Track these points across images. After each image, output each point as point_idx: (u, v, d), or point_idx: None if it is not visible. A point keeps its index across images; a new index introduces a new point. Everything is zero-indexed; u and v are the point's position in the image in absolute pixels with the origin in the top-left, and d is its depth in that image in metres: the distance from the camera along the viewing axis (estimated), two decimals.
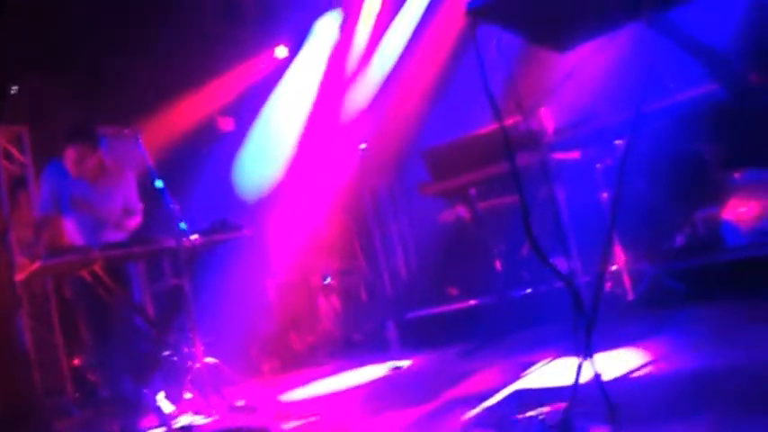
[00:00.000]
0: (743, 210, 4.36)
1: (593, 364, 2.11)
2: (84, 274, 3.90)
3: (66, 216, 4.24)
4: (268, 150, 7.13)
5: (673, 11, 1.76)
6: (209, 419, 3.81)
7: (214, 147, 7.01)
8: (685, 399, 2.27)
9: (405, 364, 4.53)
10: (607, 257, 3.71)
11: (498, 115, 1.96)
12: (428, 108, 6.39)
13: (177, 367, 4.16)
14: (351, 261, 6.89)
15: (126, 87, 6.12)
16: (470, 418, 2.58)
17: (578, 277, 3.81)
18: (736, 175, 4.53)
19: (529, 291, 4.66)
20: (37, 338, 5.53)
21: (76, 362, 5.58)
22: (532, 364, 3.30)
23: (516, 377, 3.12)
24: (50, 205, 4.23)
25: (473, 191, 4.51)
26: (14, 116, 5.86)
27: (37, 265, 3.67)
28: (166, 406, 4.05)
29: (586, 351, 2.09)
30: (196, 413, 3.95)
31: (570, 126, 3.87)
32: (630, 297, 3.80)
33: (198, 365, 3.97)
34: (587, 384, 2.11)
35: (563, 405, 2.12)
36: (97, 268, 3.87)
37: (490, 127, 4.12)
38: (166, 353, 4.16)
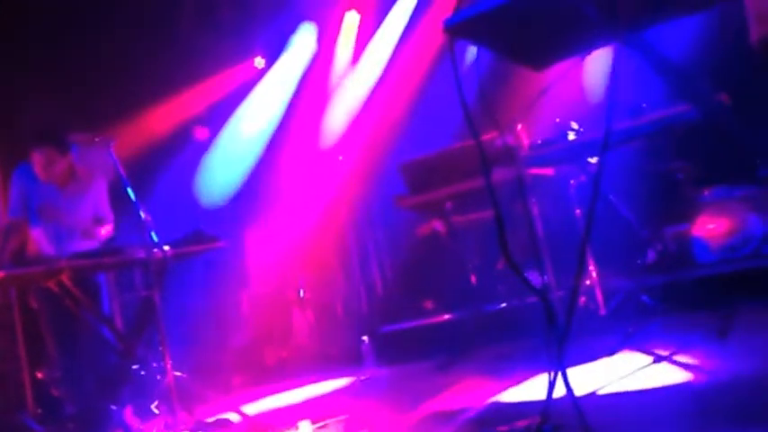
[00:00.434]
0: (712, 226, 4.42)
1: (566, 378, 2.11)
2: (51, 284, 3.82)
3: (33, 224, 4.16)
4: (236, 160, 7.09)
5: (646, 31, 1.78)
6: None
7: (189, 156, 6.95)
8: (659, 413, 2.29)
9: (377, 377, 4.51)
10: (580, 272, 3.73)
11: (474, 130, 1.97)
12: (407, 122, 6.40)
13: (145, 381, 4.08)
14: (326, 274, 6.86)
15: (99, 94, 6.05)
16: None
17: (552, 292, 3.84)
18: (706, 193, 4.60)
19: (503, 305, 4.68)
20: None
21: (40, 375, 5.44)
22: (507, 378, 3.30)
23: (491, 391, 3.12)
24: (20, 210, 4.15)
25: (449, 205, 4.52)
26: None
27: (0, 275, 3.58)
28: (134, 422, 3.97)
29: (559, 365, 2.10)
30: (164, 429, 3.88)
31: (545, 142, 3.91)
32: (603, 312, 3.83)
33: (167, 380, 3.90)
34: (561, 399, 2.11)
35: (536, 419, 2.12)
36: (64, 278, 3.79)
37: (467, 142, 4.15)
38: (135, 367, 4.08)
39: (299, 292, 6.48)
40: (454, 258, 4.91)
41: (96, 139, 4.05)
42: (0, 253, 4.10)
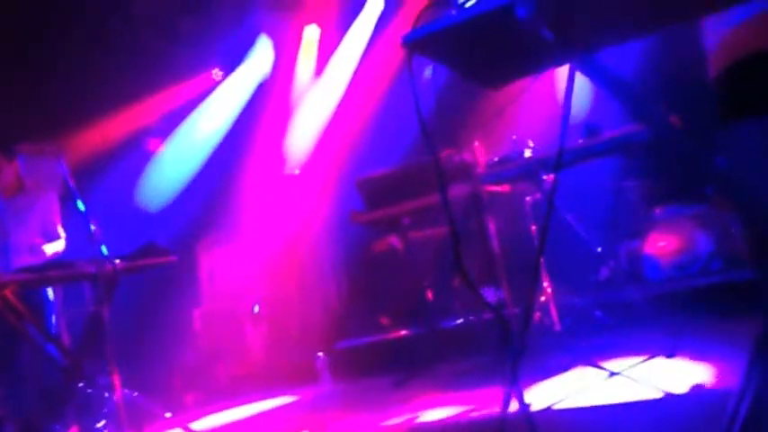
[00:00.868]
0: (662, 244, 4.52)
1: (521, 394, 2.12)
2: None
3: None
4: (189, 172, 6.99)
5: (601, 53, 1.80)
6: None
7: (141, 167, 6.82)
8: (613, 428, 2.31)
9: (333, 393, 4.47)
10: (535, 289, 3.77)
11: (431, 147, 1.97)
12: (365, 137, 6.41)
13: (92, 399, 3.95)
14: (281, 290, 6.78)
15: (51, 102, 5.91)
16: None
17: (508, 308, 3.86)
18: (657, 211, 4.71)
19: (460, 321, 4.69)
20: None
21: None
22: (463, 394, 3.30)
23: (447, 407, 3.11)
24: None
25: (406, 221, 4.53)
26: None
27: None
28: None
29: (514, 381, 2.10)
30: None
31: (502, 160, 3.95)
32: (558, 328, 3.86)
33: (114, 398, 3.79)
34: (515, 414, 2.11)
35: None
36: (8, 293, 3.66)
37: (424, 158, 4.16)
38: (81, 384, 3.95)
39: (253, 308, 6.39)
40: (410, 274, 4.91)
41: (45, 150, 3.93)
42: None
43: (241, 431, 3.72)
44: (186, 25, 6.71)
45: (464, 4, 1.70)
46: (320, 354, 5.14)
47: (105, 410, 3.81)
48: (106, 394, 3.82)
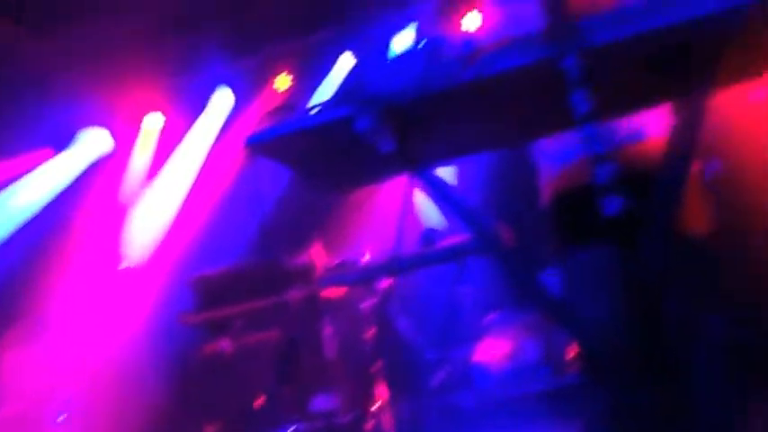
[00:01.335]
0: (493, 351, 4.68)
1: None
2: None
3: None
4: None
5: (435, 167, 1.87)
6: None
7: None
8: None
9: None
10: (370, 395, 3.72)
11: (269, 248, 1.91)
12: (205, 234, 6.19)
13: None
14: (97, 393, 6.16)
15: None
16: None
17: (342, 415, 3.76)
18: (489, 318, 4.89)
19: (292, 429, 4.49)
20: None
21: None
22: None
23: None
24: None
25: (239, 323, 4.34)
26: None
27: None
28: None
29: None
30: None
31: (341, 264, 3.95)
32: None
33: None
34: None
35: None
36: None
37: (261, 258, 4.08)
38: None
39: (57, 417, 5.72)
40: (240, 380, 4.68)
41: None
42: None
43: None
44: (21, 99, 6.26)
45: (309, 110, 1.71)
46: None
47: None
48: None
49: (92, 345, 6.12)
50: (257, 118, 1.85)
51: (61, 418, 5.71)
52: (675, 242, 1.61)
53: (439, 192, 1.77)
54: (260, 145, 1.71)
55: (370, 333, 4.06)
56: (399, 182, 2.08)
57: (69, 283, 6.36)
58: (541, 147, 2.27)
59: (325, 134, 1.69)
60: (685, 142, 1.61)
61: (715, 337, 2.11)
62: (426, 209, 5.09)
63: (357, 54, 5.99)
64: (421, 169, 1.76)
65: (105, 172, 6.77)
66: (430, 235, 3.66)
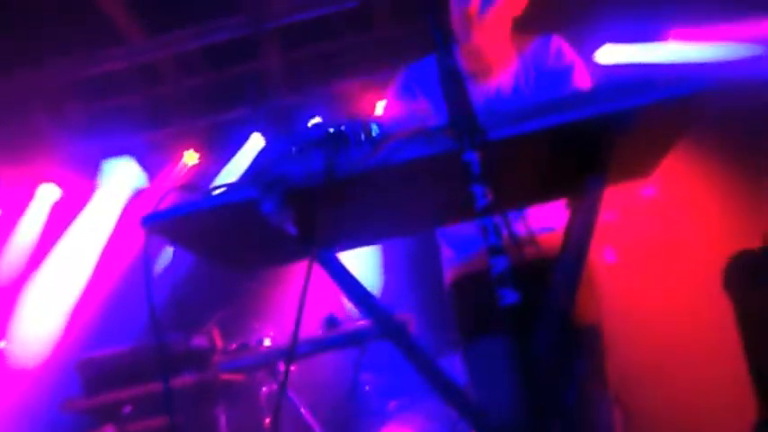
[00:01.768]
0: None
1: None
2: None
3: None
4: None
5: (340, 251, 1.86)
6: None
7: None
8: None
9: None
10: None
11: (158, 330, 1.81)
12: (94, 317, 5.85)
13: None
14: None
15: None
16: None
17: None
18: (391, 404, 4.82)
19: None
20: None
21: None
22: None
23: None
24: None
25: (127, 409, 4.07)
26: None
27: None
28: None
29: None
30: None
31: (240, 347, 3.82)
32: None
33: None
34: None
35: None
36: None
37: (153, 341, 3.87)
38: None
39: None
40: None
41: None
42: None
43: None
44: None
45: (211, 191, 1.67)
46: None
47: None
48: None
49: None
50: (160, 194, 1.80)
51: None
52: (568, 331, 1.65)
53: (339, 277, 1.75)
54: (156, 225, 1.65)
55: (268, 420, 3.90)
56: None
57: None
58: (445, 231, 2.31)
59: (228, 215, 1.65)
60: (580, 235, 1.68)
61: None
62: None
63: (266, 135, 6.02)
64: (323, 253, 1.74)
65: None
66: (332, 319, 3.62)
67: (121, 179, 6.26)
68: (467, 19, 2.19)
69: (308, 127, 5.61)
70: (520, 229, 1.72)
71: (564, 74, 2.21)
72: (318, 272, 1.72)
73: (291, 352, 1.93)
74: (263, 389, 4.02)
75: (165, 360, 1.95)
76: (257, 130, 6.07)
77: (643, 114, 1.49)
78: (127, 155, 6.16)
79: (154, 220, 1.64)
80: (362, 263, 5.64)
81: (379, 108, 5.51)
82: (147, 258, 1.76)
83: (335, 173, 1.52)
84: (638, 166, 1.85)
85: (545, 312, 1.64)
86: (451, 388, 1.74)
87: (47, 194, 6.32)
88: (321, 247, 1.68)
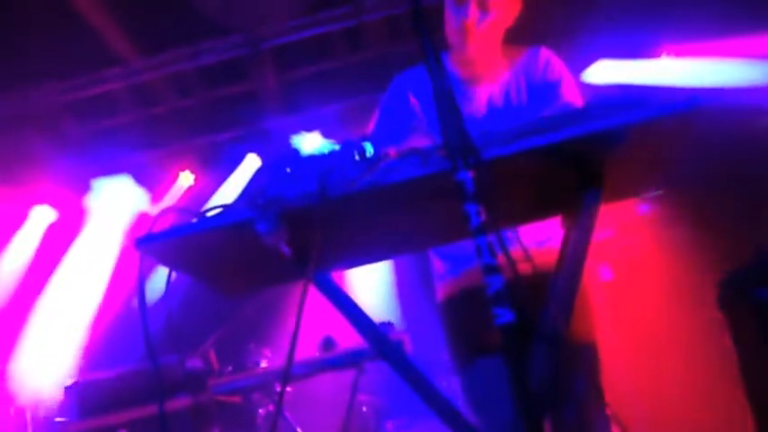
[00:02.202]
0: None
1: None
2: None
3: None
4: None
5: (336, 271, 1.86)
6: None
7: None
8: None
9: None
10: None
11: (152, 352, 1.80)
12: (89, 338, 5.81)
13: None
14: None
15: None
16: None
17: None
18: (389, 424, 4.79)
19: None
20: None
21: None
22: None
23: None
24: None
25: None
26: None
27: None
28: None
29: None
30: None
31: (236, 368, 3.79)
32: None
33: None
34: None
35: None
36: None
37: (148, 363, 3.84)
38: None
39: None
40: None
41: None
42: None
43: None
44: None
45: (205, 212, 1.67)
46: None
47: None
48: None
49: None
50: (158, 215, 1.80)
51: None
52: (565, 349, 1.64)
53: (334, 297, 1.75)
54: (151, 247, 1.64)
55: None
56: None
57: None
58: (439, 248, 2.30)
59: (223, 237, 1.65)
60: (575, 252, 1.68)
61: None
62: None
63: (262, 156, 6.03)
64: (319, 274, 1.73)
65: None
66: (329, 341, 3.60)
67: (118, 199, 6.23)
68: (464, 30, 2.21)
69: (302, 147, 5.63)
70: (515, 246, 1.72)
71: (553, 87, 2.24)
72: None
73: (287, 373, 1.91)
74: (260, 411, 3.98)
75: (161, 382, 1.93)
76: (252, 150, 6.08)
77: (636, 132, 1.50)
78: (123, 174, 6.15)
79: (148, 243, 1.64)
80: (375, 279, 5.66)
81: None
82: (142, 281, 1.75)
83: (329, 193, 1.52)
84: (632, 184, 1.85)
85: (541, 330, 1.63)
86: (448, 408, 1.72)
87: (41, 216, 6.29)
88: (316, 267, 1.67)
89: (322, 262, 1.72)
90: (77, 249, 6.31)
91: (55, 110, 5.68)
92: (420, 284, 5.22)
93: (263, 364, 3.71)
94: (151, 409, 3.77)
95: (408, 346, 3.51)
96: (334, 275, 1.87)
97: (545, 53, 2.31)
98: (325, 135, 5.71)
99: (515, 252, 1.53)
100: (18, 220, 6.25)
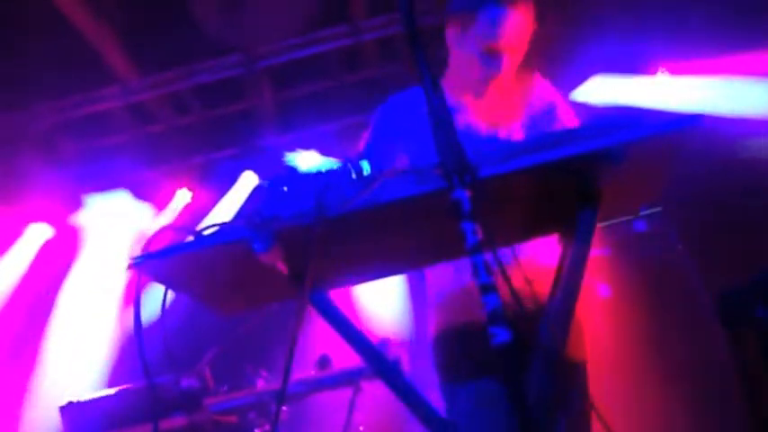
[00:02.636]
0: None
1: None
2: None
3: None
4: None
5: (330, 289, 1.85)
6: None
7: None
8: None
9: None
10: None
11: (147, 371, 1.79)
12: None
13: None
14: None
15: None
16: None
17: None
18: None
19: None
20: None
21: None
22: None
23: None
24: None
25: None
26: None
27: None
28: None
29: None
30: None
31: (232, 387, 3.77)
32: None
33: None
34: None
35: None
36: None
37: (142, 383, 3.80)
38: None
39: None
40: None
41: None
42: None
43: None
44: None
45: (202, 231, 1.66)
46: None
47: None
48: None
49: None
50: (154, 233, 1.80)
51: None
52: (561, 368, 1.63)
53: (330, 316, 1.74)
54: (146, 266, 1.63)
55: None
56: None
57: None
58: (433, 270, 2.28)
59: (220, 255, 1.64)
60: (572, 270, 1.67)
61: None
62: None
63: (258, 173, 6.04)
64: (316, 293, 1.73)
65: None
66: (324, 359, 3.58)
67: (117, 215, 6.20)
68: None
69: (299, 165, 5.64)
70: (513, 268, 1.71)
71: (549, 113, 2.23)
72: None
73: (282, 392, 1.90)
74: (256, 430, 3.94)
75: (156, 402, 1.91)
76: (249, 168, 6.09)
77: (633, 150, 1.50)
78: (121, 190, 6.13)
79: (144, 262, 1.63)
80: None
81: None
82: (137, 300, 1.74)
83: (326, 211, 1.51)
84: (628, 202, 1.85)
85: (539, 349, 1.62)
86: (446, 428, 1.71)
87: (36, 234, 6.27)
88: (313, 285, 1.67)
89: (319, 281, 1.72)
90: (80, 268, 6.27)
91: (52, 128, 5.68)
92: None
93: (261, 384, 3.69)
94: (146, 429, 3.73)
95: (406, 362, 3.48)
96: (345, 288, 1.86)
97: (539, 80, 2.30)
98: (322, 153, 5.72)
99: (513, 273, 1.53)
100: (14, 239, 6.22)
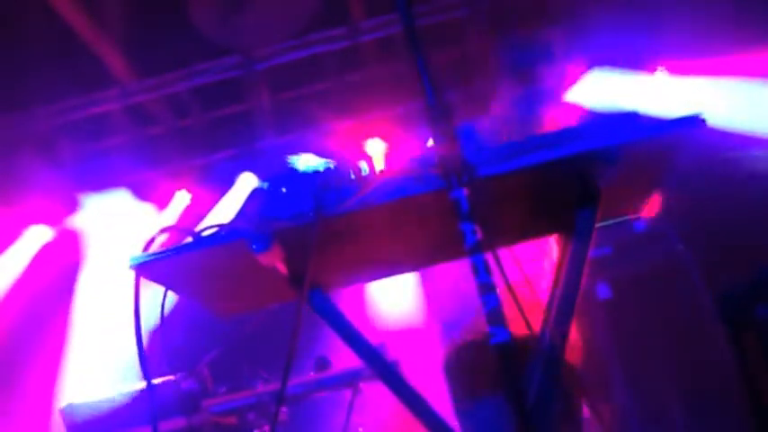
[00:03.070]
0: None
1: None
2: None
3: None
4: None
5: (329, 290, 1.85)
6: None
7: None
8: None
9: None
10: None
11: (146, 373, 1.79)
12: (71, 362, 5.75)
13: None
14: None
15: None
16: None
17: None
18: None
19: None
20: None
21: None
22: None
23: None
24: None
25: None
26: None
27: None
28: None
29: None
30: None
31: (231, 389, 3.76)
32: None
33: None
34: None
35: None
36: None
37: (141, 384, 3.79)
38: None
39: None
40: None
41: None
42: None
43: None
44: None
45: (201, 232, 1.66)
46: None
47: None
48: None
49: None
50: (153, 234, 1.80)
51: None
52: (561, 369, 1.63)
53: (328, 316, 1.74)
54: (145, 266, 1.63)
55: None
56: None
57: None
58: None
59: (218, 256, 1.64)
60: (571, 270, 1.67)
61: None
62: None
63: (256, 174, 6.03)
64: (315, 294, 1.73)
65: None
66: (323, 360, 3.58)
67: (117, 215, 6.18)
68: None
69: (297, 166, 5.64)
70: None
71: None
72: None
73: (281, 393, 1.90)
74: (255, 431, 3.94)
75: (154, 403, 1.90)
76: (248, 170, 6.08)
77: (631, 151, 1.50)
78: (120, 192, 6.11)
79: (143, 263, 1.63)
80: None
81: (376, 145, 5.50)
82: (137, 301, 1.74)
83: (324, 211, 1.51)
84: (627, 202, 1.85)
85: (539, 348, 1.62)
86: (444, 428, 1.71)
87: (35, 236, 6.26)
88: (312, 285, 1.66)
89: (317, 280, 1.71)
90: (87, 269, 6.25)
91: (51, 130, 5.68)
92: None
93: (259, 385, 3.68)
94: (145, 431, 3.72)
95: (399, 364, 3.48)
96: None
97: None
98: (320, 154, 5.71)
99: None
100: (13, 240, 6.21)
